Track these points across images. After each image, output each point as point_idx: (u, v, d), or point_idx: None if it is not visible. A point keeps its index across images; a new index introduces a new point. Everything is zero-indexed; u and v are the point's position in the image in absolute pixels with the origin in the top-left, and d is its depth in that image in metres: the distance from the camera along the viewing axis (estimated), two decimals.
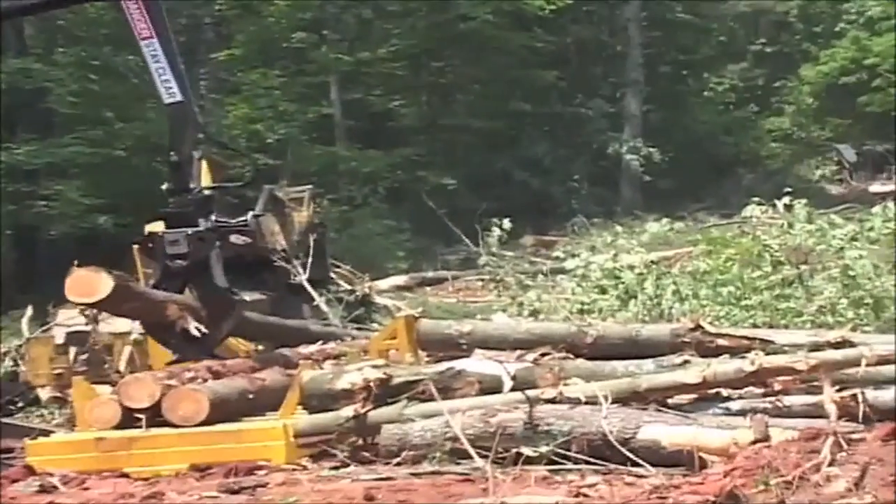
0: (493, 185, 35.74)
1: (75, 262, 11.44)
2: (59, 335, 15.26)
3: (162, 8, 11.86)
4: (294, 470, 9.24)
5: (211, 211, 11.97)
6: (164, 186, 11.96)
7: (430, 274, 26.99)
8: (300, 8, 35.40)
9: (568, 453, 8.35)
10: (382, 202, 33.40)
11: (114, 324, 15.09)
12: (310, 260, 16.95)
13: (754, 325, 12.41)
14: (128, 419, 9.99)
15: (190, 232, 11.60)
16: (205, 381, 10.38)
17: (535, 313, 15.22)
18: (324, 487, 8.29)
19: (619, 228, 23.93)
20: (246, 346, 12.96)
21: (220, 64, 35.13)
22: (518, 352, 10.09)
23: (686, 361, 9.36)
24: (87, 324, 15.10)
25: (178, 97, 11.75)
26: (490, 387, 9.47)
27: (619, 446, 8.22)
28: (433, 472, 8.47)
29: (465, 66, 38.09)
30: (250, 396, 10.53)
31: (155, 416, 9.93)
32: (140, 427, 9.84)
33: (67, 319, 15.82)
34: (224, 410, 10.08)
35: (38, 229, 27.00)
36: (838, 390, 8.25)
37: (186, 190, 11.79)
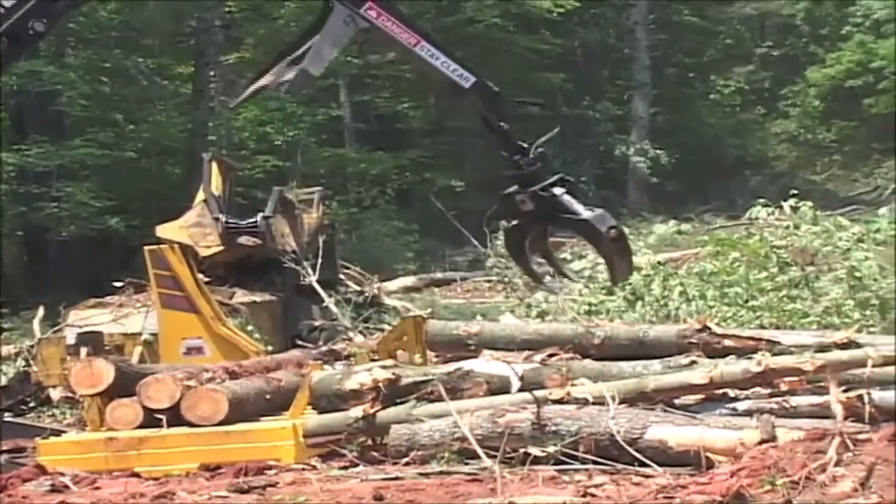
0: (500, 186, 35.63)
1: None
2: (70, 336, 15.32)
3: (401, 10, 11.76)
4: (303, 469, 9.28)
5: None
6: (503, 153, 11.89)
7: (439, 275, 27.02)
8: (309, 10, 35.31)
9: (575, 453, 8.40)
10: (391, 204, 33.40)
11: (125, 324, 15.19)
12: (319, 261, 16.98)
13: (761, 326, 12.42)
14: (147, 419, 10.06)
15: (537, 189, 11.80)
16: (222, 381, 10.44)
17: (542, 314, 15.25)
18: (333, 487, 8.34)
19: (626, 230, 23.85)
20: (255, 347, 13.02)
21: (230, 66, 35.15)
22: (526, 352, 10.14)
23: (693, 362, 9.39)
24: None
25: (473, 77, 11.87)
26: (498, 387, 9.52)
27: (626, 446, 8.27)
28: (441, 472, 8.51)
29: (473, 68, 37.96)
30: (267, 396, 10.59)
31: (174, 416, 10.00)
32: (161, 427, 9.91)
33: (79, 320, 15.89)
34: (242, 410, 10.13)
35: (48, 231, 26.98)
36: (844, 391, 8.27)
37: (523, 152, 11.84)
